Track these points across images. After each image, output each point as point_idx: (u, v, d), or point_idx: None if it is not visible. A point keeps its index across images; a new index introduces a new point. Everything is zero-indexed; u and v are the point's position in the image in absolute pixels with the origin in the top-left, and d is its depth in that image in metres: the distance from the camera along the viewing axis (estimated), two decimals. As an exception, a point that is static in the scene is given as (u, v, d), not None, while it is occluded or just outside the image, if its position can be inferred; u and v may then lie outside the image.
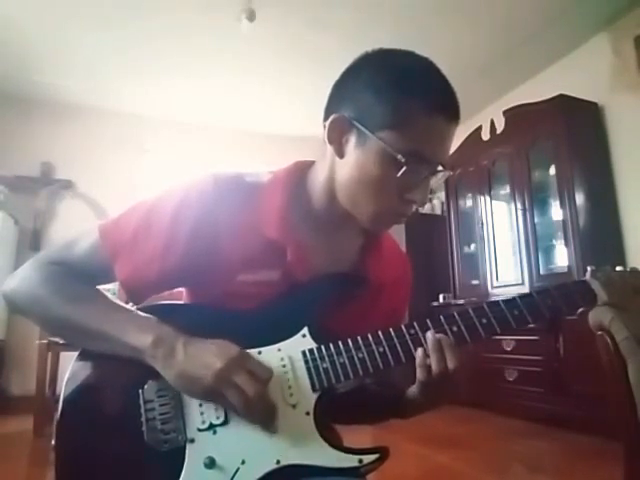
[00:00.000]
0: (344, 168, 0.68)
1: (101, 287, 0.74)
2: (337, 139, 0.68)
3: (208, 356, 0.61)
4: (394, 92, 0.64)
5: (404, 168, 0.63)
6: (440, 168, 0.67)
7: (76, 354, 0.69)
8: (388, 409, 0.79)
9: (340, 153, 0.68)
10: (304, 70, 3.69)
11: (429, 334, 0.65)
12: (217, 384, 0.60)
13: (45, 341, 2.80)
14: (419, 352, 0.64)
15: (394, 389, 0.77)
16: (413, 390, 0.70)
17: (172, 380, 0.63)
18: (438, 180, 0.70)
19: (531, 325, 0.69)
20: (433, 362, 0.63)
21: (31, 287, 0.69)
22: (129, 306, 0.71)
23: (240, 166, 0.79)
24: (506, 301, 0.68)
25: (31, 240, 4.01)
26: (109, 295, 0.71)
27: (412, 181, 0.65)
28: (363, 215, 0.69)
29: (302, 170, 0.77)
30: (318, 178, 0.73)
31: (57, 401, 0.66)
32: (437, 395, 0.68)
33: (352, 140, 0.66)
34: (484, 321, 0.66)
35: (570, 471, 2.10)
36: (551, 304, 0.67)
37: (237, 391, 0.60)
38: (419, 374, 0.65)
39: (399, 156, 0.62)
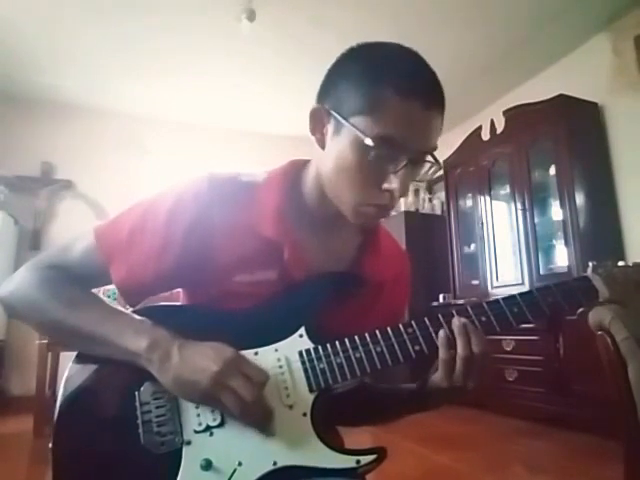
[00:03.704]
0: (326, 160, 0.68)
1: (103, 288, 0.73)
2: (318, 130, 0.68)
3: (203, 359, 0.61)
4: (366, 78, 0.63)
5: (373, 152, 0.62)
6: (429, 158, 0.67)
7: (74, 356, 0.69)
8: (405, 405, 0.78)
9: (322, 144, 0.68)
10: (304, 70, 3.68)
11: (455, 319, 0.64)
12: (213, 388, 0.60)
13: (45, 341, 2.80)
14: (441, 333, 0.64)
15: (408, 384, 0.76)
16: (436, 377, 0.67)
17: (168, 384, 0.63)
18: (429, 173, 0.70)
19: (531, 324, 0.68)
20: (459, 346, 0.63)
21: (27, 291, 0.69)
22: (126, 309, 0.71)
23: (240, 166, 0.79)
24: (505, 299, 0.67)
25: (31, 240, 4.02)
26: (107, 299, 0.71)
27: (388, 169, 0.64)
28: (346, 207, 0.68)
29: (297, 169, 0.76)
30: (311, 176, 0.74)
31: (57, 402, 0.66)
32: (463, 379, 0.64)
33: (330, 130, 0.67)
34: (483, 319, 0.66)
35: (570, 471, 2.09)
36: (551, 301, 0.66)
37: (233, 395, 0.59)
38: (442, 354, 0.64)
39: (367, 140, 0.61)
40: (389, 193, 0.65)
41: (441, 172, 4.25)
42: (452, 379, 0.64)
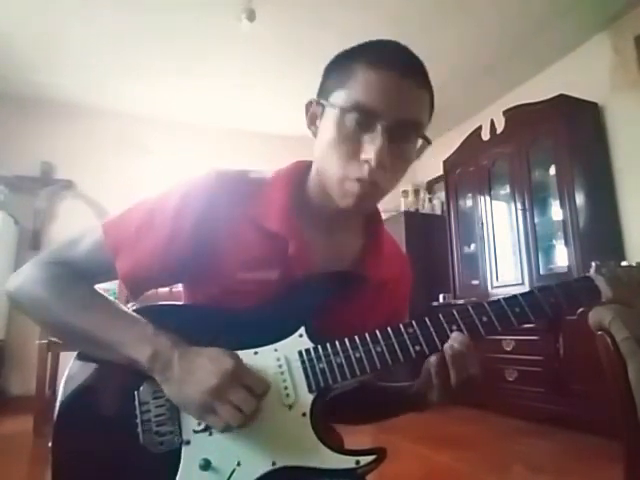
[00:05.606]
0: (317, 145, 0.71)
1: (102, 286, 0.73)
2: (313, 122, 0.72)
3: (202, 374, 0.60)
4: (343, 59, 0.69)
5: (347, 118, 0.64)
6: (422, 139, 0.68)
7: (74, 355, 0.69)
8: (403, 405, 0.78)
9: (315, 134, 0.72)
10: (304, 70, 3.68)
11: (447, 347, 0.63)
12: (210, 404, 0.59)
13: (45, 341, 2.80)
14: (432, 359, 0.63)
15: (407, 383, 0.76)
16: (421, 384, 0.68)
17: (170, 397, 0.63)
18: (418, 151, 0.70)
19: (532, 324, 0.68)
20: (452, 373, 0.62)
21: (34, 289, 0.69)
22: (126, 305, 0.71)
23: (240, 166, 0.79)
24: (507, 299, 0.66)
25: (31, 240, 4.01)
26: (110, 297, 0.71)
27: (365, 138, 0.65)
28: (331, 187, 0.69)
29: (302, 170, 0.77)
30: (313, 174, 0.74)
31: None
32: (456, 395, 0.66)
33: (320, 118, 0.70)
34: (484, 319, 0.65)
35: (570, 471, 2.09)
36: (554, 302, 0.66)
37: (232, 409, 0.58)
38: (435, 379, 0.64)
39: (337, 109, 0.65)
40: (367, 164, 0.64)
41: (441, 172, 4.26)
42: (444, 396, 0.66)
